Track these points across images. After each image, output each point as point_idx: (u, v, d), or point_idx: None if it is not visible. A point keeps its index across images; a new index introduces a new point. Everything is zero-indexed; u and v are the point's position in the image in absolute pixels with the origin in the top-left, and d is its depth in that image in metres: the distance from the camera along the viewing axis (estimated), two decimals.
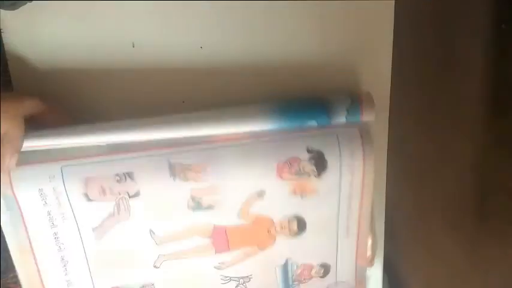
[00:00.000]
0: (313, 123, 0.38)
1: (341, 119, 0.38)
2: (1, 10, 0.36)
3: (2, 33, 0.37)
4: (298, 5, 0.38)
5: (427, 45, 0.42)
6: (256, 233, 0.41)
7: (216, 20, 0.38)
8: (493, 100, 0.34)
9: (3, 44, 0.38)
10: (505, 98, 0.33)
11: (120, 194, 0.37)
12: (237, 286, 0.43)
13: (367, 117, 0.38)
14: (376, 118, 0.41)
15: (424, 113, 0.44)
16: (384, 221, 0.44)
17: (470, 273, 0.39)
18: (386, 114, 0.42)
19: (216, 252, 0.41)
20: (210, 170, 0.38)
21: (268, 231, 0.41)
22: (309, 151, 0.38)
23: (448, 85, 0.40)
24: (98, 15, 0.38)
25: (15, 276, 0.42)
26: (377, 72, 0.40)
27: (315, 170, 0.38)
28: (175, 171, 0.37)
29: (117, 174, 0.37)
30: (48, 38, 0.38)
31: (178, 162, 0.37)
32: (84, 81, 0.39)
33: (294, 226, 0.41)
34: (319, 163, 0.38)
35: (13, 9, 0.36)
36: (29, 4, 0.36)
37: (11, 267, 0.42)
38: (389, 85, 0.41)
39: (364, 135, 0.38)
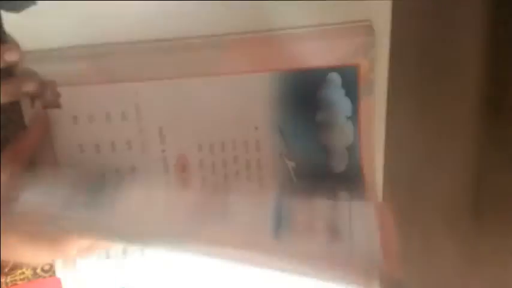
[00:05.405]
0: None
1: None
2: (5, 12, 0.37)
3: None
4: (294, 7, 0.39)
5: (425, 45, 0.42)
6: None
7: (215, 19, 0.39)
8: (491, 100, 0.34)
9: None
10: (503, 98, 0.33)
11: None
12: None
13: None
14: (376, 118, 0.41)
15: (422, 113, 0.44)
16: None
17: (468, 273, 0.39)
18: (385, 114, 0.42)
19: None
20: None
21: None
22: None
23: (447, 85, 0.40)
24: (100, 17, 0.38)
25: (23, 273, 0.43)
26: (375, 72, 0.40)
27: None
28: None
29: None
30: (52, 39, 0.38)
31: None
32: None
33: None
34: None
35: (17, 11, 0.37)
36: (32, 6, 0.37)
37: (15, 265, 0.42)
38: (387, 85, 0.41)
39: None
